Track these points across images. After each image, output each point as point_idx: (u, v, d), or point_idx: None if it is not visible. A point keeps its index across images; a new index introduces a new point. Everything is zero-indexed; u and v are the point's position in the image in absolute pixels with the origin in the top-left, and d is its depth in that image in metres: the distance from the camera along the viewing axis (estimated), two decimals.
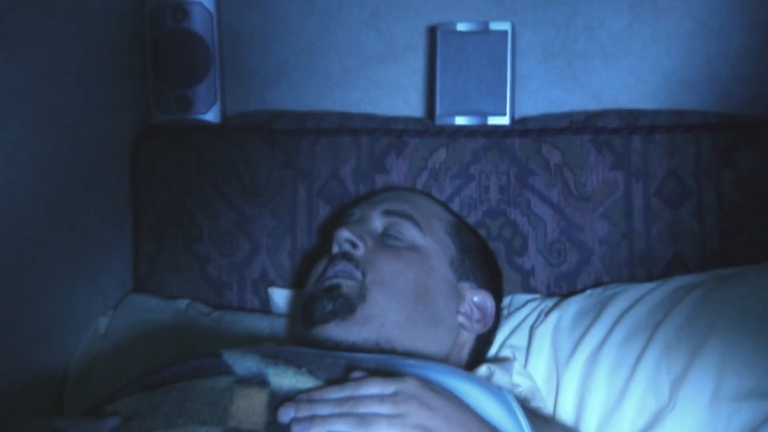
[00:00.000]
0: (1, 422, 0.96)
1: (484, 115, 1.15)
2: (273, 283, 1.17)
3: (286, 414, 0.68)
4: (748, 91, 1.15)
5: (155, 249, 1.21)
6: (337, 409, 0.68)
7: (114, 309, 1.17)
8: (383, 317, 0.89)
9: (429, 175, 1.14)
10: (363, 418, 0.68)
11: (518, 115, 1.20)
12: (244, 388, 0.70)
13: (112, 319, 1.15)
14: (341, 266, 0.92)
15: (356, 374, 0.74)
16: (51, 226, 1.07)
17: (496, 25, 1.14)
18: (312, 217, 1.16)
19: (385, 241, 0.95)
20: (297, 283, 1.16)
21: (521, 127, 1.14)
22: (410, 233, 0.96)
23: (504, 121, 1.14)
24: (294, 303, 1.14)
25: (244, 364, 0.73)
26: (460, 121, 1.15)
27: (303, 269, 1.14)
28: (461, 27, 1.15)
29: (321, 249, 1.07)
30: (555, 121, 1.14)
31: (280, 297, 1.16)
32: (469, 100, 1.15)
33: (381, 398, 0.69)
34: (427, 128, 1.16)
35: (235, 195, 1.19)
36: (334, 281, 0.91)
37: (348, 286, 0.90)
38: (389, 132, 1.16)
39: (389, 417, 0.68)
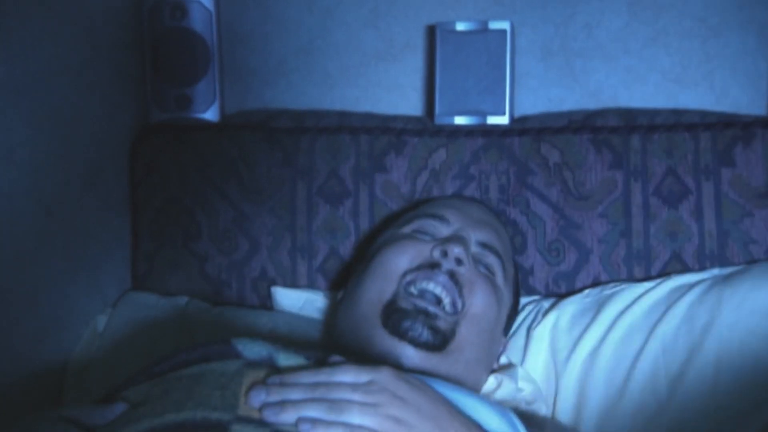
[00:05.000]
0: (0, 420, 0.96)
1: (483, 115, 1.15)
2: (273, 282, 1.17)
3: (257, 397, 0.66)
4: (747, 90, 1.15)
5: (154, 247, 1.21)
6: (309, 394, 0.67)
7: (112, 307, 1.17)
8: (462, 353, 0.88)
9: (429, 175, 1.14)
10: (334, 404, 0.66)
11: (517, 114, 1.20)
12: (253, 371, 0.69)
13: (110, 317, 1.15)
14: (448, 284, 0.88)
15: (334, 358, 0.74)
16: (50, 225, 1.07)
17: (495, 24, 1.14)
18: (311, 215, 1.16)
19: (479, 268, 0.93)
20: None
21: (520, 126, 1.14)
22: (499, 273, 0.95)
23: (503, 120, 1.14)
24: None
25: (254, 349, 0.73)
26: (460, 120, 1.15)
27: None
28: (460, 26, 1.15)
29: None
30: (554, 120, 1.14)
31: (283, 297, 1.15)
32: (468, 100, 1.15)
33: (354, 386, 0.68)
34: (426, 127, 1.16)
35: (234, 193, 1.19)
36: (431, 309, 0.87)
37: (446, 321, 0.87)
38: (388, 131, 1.16)
39: (361, 405, 0.67)
